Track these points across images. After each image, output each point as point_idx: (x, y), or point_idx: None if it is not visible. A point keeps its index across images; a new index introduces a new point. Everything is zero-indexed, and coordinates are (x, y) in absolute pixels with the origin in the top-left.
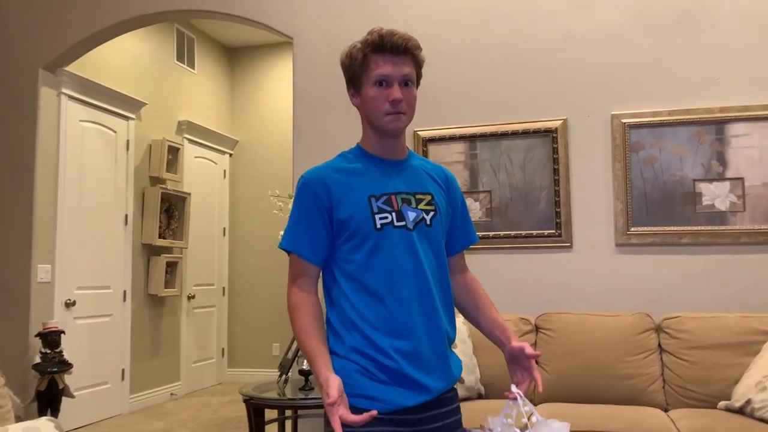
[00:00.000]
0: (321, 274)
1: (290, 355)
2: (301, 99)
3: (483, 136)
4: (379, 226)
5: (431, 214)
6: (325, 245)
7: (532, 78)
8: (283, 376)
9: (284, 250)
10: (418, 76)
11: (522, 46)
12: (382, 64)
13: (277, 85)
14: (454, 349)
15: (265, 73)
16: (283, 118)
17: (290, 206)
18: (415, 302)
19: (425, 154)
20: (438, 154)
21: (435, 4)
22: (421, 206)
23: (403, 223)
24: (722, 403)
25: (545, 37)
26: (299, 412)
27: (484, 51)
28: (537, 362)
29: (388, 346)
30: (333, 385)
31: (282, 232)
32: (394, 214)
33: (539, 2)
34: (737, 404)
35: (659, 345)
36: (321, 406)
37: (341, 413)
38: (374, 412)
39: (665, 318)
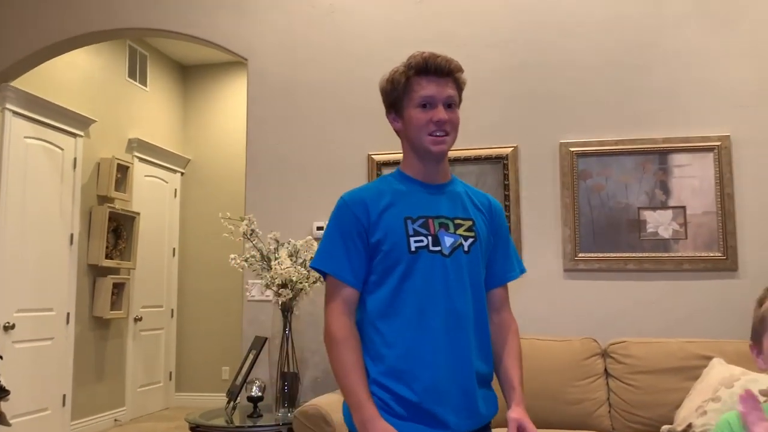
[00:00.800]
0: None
1: (239, 380)
2: (255, 119)
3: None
4: (413, 249)
5: (470, 240)
6: (364, 267)
7: (485, 105)
8: (232, 403)
9: (318, 270)
10: (460, 99)
11: (478, 74)
12: (426, 86)
13: (231, 104)
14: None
15: (219, 92)
16: (236, 138)
17: (241, 229)
18: (442, 333)
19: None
20: None
21: (393, 30)
22: (460, 231)
23: (438, 248)
24: (665, 428)
25: (499, 66)
26: None
27: None
28: None
29: (410, 377)
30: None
31: (233, 256)
32: (430, 238)
33: (494, 31)
34: (679, 428)
35: (605, 370)
36: None
37: None
38: None
39: (611, 343)
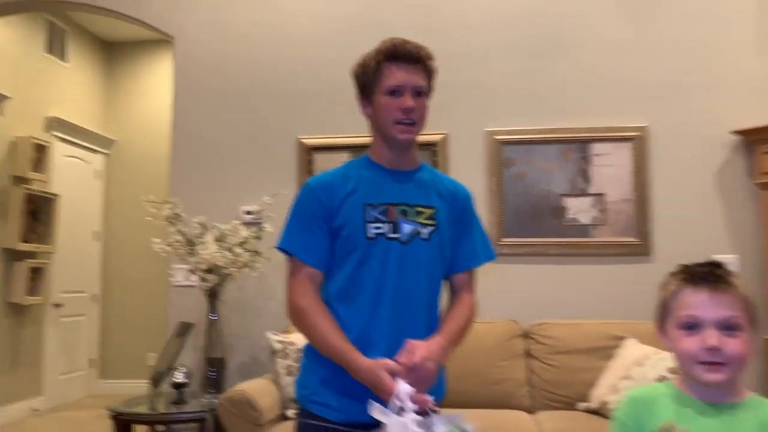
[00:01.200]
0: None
1: (163, 367)
2: (181, 100)
3: (367, 147)
4: (371, 235)
5: (430, 228)
6: (327, 250)
7: None
8: (155, 389)
9: (283, 251)
10: (430, 87)
11: None
12: (395, 73)
13: (157, 83)
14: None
15: (145, 71)
16: (163, 119)
17: (164, 213)
18: (390, 320)
19: (310, 163)
20: (322, 164)
21: (321, 10)
22: (420, 219)
23: (396, 236)
24: (581, 405)
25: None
26: (173, 427)
27: None
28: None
29: None
30: (387, 376)
31: (156, 240)
32: (389, 225)
33: (422, 18)
34: (594, 406)
35: (527, 350)
36: (195, 420)
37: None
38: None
39: (532, 324)
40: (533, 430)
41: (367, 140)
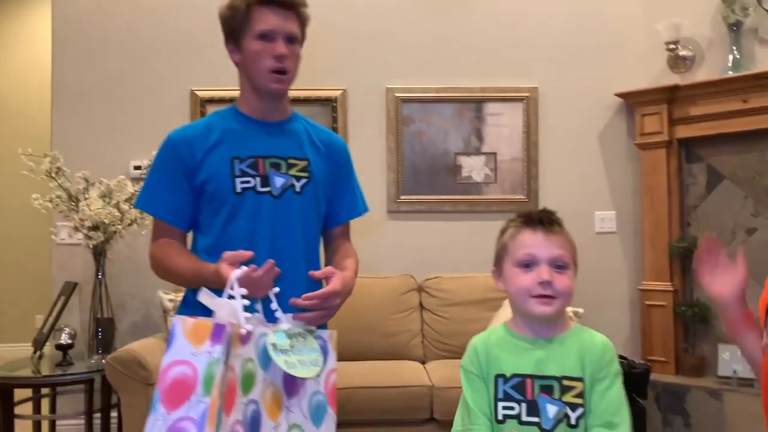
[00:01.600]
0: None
1: (46, 329)
2: (61, 47)
3: None
4: (239, 190)
5: (303, 181)
6: (188, 207)
7: (315, 45)
8: (38, 352)
9: (141, 210)
10: (303, 36)
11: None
12: (267, 17)
13: (38, 28)
14: None
15: (24, 15)
16: (45, 67)
17: (43, 167)
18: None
19: (203, 115)
20: None
21: None
22: (293, 172)
23: (267, 189)
24: None
25: (328, 5)
26: (58, 389)
27: None
28: None
29: None
30: (224, 266)
31: (35, 196)
32: (258, 178)
33: None
34: None
35: (420, 303)
36: (81, 382)
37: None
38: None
39: (426, 279)
40: (423, 378)
41: None
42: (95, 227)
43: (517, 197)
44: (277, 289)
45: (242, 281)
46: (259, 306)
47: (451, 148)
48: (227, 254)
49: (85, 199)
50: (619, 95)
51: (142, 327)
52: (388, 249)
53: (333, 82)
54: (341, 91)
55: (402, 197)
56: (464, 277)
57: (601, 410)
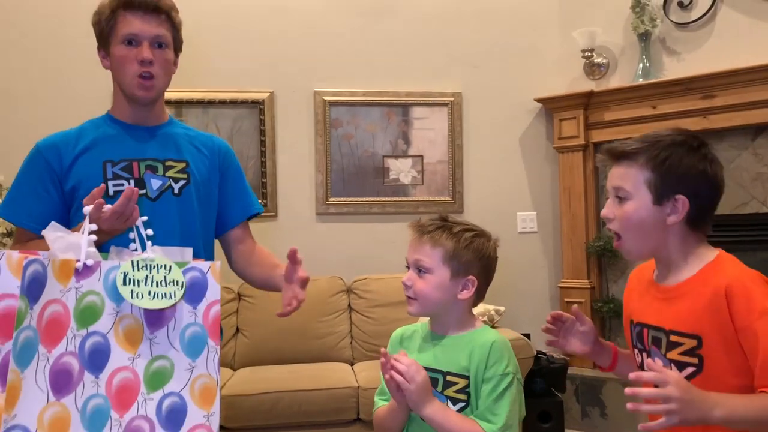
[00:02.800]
0: None
1: None
2: None
3: (190, 103)
4: (111, 193)
5: (182, 182)
6: (55, 215)
7: (242, 47)
8: None
9: (3, 218)
10: (177, 40)
11: (232, 15)
12: (131, 21)
13: None
14: None
15: None
16: None
17: None
18: None
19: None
20: None
21: None
22: (170, 174)
23: (143, 192)
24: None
25: (255, 7)
26: None
27: (194, 14)
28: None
29: None
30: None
31: None
32: (132, 181)
33: None
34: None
35: (349, 305)
36: None
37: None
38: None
39: (355, 280)
40: (350, 379)
41: (185, 95)
42: (9, 234)
43: (443, 199)
44: (144, 218)
45: (96, 212)
46: (133, 235)
47: (378, 151)
48: (86, 198)
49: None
50: (539, 100)
51: None
52: (317, 251)
53: (260, 84)
54: (268, 94)
55: (331, 199)
56: (392, 277)
57: (481, 408)
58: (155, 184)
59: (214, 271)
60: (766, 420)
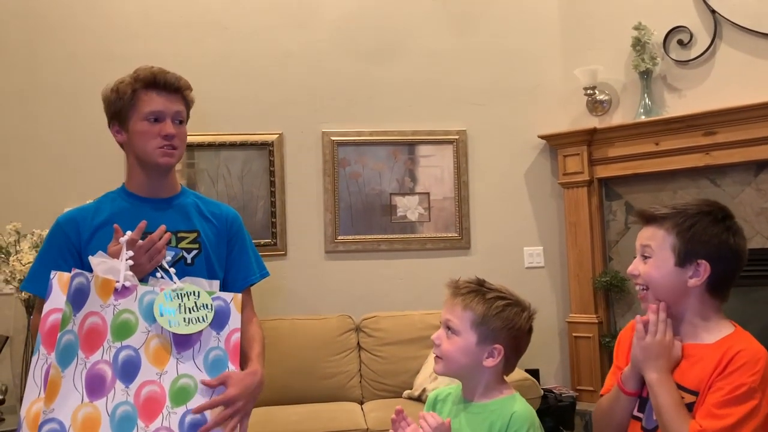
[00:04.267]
0: None
1: None
2: None
3: (201, 146)
4: (126, 267)
5: (194, 252)
6: None
7: (251, 91)
8: None
9: (28, 292)
10: (188, 116)
11: (244, 60)
12: (155, 100)
13: None
14: None
15: None
16: None
17: None
18: None
19: None
20: None
21: (151, 5)
22: (183, 245)
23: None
24: (406, 392)
25: (263, 52)
26: None
27: (204, 60)
28: None
29: None
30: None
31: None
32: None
33: (258, 17)
34: (416, 393)
35: (358, 343)
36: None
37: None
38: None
39: (364, 318)
40: (359, 421)
41: (197, 138)
42: None
43: (450, 235)
44: (169, 257)
45: (130, 246)
46: (160, 274)
47: (385, 189)
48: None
49: (17, 252)
50: (542, 137)
51: None
52: (326, 289)
53: (269, 126)
54: (277, 136)
55: (339, 237)
56: (401, 315)
57: None
58: (169, 254)
59: (236, 301)
60: (668, 412)
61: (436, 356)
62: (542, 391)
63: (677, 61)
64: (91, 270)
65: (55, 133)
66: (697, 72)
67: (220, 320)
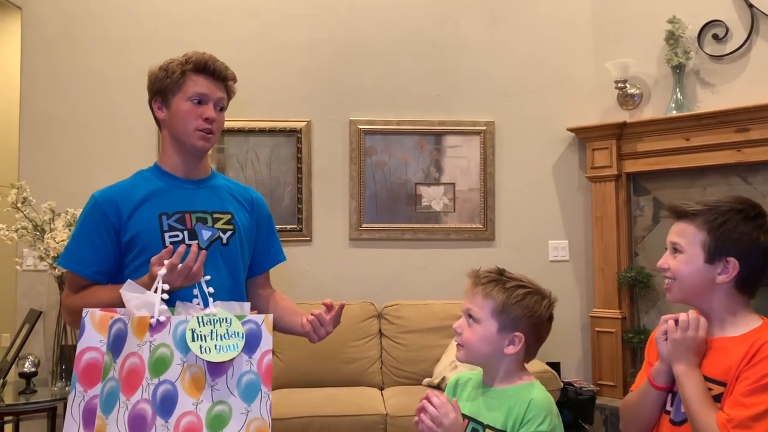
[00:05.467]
0: None
1: (9, 356)
2: (30, 76)
3: (231, 131)
4: (168, 244)
5: (228, 233)
6: (110, 264)
7: (281, 78)
8: (1, 380)
9: (65, 269)
10: (227, 106)
11: (273, 47)
12: (202, 83)
13: (6, 59)
14: None
15: None
16: (10, 97)
17: (10, 198)
18: None
19: None
20: None
21: None
22: (218, 225)
23: (195, 242)
24: (425, 380)
25: (294, 40)
26: (20, 417)
27: (235, 46)
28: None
29: None
30: (154, 268)
31: (0, 226)
32: (186, 232)
33: (289, 5)
34: (436, 381)
35: (380, 330)
36: (44, 410)
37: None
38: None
39: (386, 306)
40: (379, 406)
41: (227, 124)
42: None
43: (474, 226)
44: (208, 277)
45: (168, 274)
46: (196, 291)
47: (411, 179)
48: (154, 258)
49: (51, 230)
50: (571, 130)
51: None
52: (349, 276)
53: (298, 114)
54: (306, 123)
55: (364, 225)
56: (423, 304)
57: None
58: (206, 234)
59: (268, 323)
60: (695, 403)
61: (458, 344)
62: (562, 384)
63: (711, 56)
64: (128, 252)
65: (89, 115)
66: (732, 67)
67: (251, 343)
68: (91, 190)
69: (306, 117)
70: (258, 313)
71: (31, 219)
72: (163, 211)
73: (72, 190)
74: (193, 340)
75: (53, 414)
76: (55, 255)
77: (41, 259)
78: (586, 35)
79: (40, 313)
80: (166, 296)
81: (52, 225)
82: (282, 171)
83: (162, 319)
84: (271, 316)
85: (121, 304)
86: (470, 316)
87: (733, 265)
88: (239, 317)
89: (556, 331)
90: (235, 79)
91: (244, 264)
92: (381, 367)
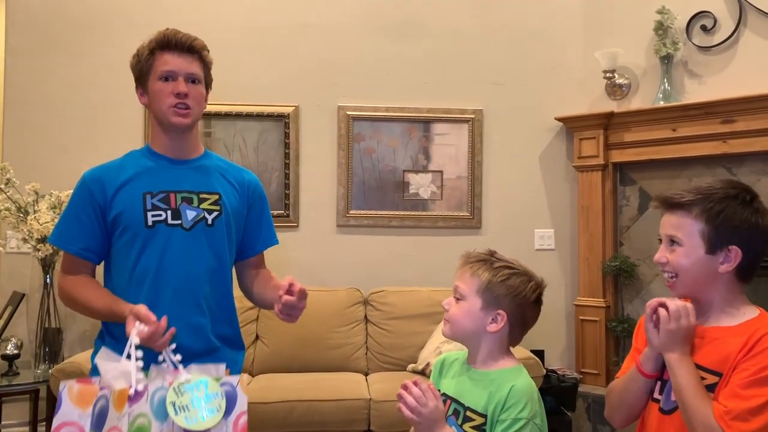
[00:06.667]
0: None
1: None
2: (14, 54)
3: (218, 115)
4: (150, 223)
5: (214, 214)
6: (98, 242)
7: (269, 62)
8: None
9: (55, 246)
10: (207, 77)
11: (260, 31)
12: (168, 60)
13: None
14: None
15: None
16: None
17: None
18: (173, 304)
19: None
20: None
21: None
22: (204, 206)
23: (178, 222)
24: (410, 366)
25: (281, 24)
26: (3, 398)
27: (223, 30)
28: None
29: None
30: (131, 319)
31: None
32: (169, 212)
33: None
34: (420, 367)
35: (365, 316)
36: (27, 392)
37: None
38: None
39: (372, 292)
40: (363, 391)
41: (214, 107)
42: (43, 239)
43: (461, 214)
44: (173, 345)
45: (142, 339)
46: (162, 357)
47: (399, 166)
48: (142, 310)
49: (35, 211)
50: (559, 119)
51: (91, 336)
52: (336, 262)
53: (286, 98)
54: (294, 108)
55: (351, 212)
56: (409, 291)
57: None
58: (190, 215)
59: (242, 383)
60: (689, 392)
61: (444, 319)
62: (545, 371)
63: (699, 47)
64: (114, 230)
65: (74, 96)
66: (719, 58)
67: (228, 406)
68: (76, 172)
69: (294, 102)
70: (244, 290)
71: (15, 200)
72: (147, 190)
73: (56, 172)
74: (176, 414)
75: (36, 396)
76: (39, 237)
77: (25, 241)
78: (575, 25)
79: (23, 295)
80: (140, 363)
81: (35, 207)
82: (269, 156)
83: (140, 388)
84: (246, 375)
85: (105, 318)
86: (458, 293)
87: (735, 253)
88: (216, 379)
89: (540, 319)
90: (204, 48)
91: (230, 245)
92: (366, 353)
